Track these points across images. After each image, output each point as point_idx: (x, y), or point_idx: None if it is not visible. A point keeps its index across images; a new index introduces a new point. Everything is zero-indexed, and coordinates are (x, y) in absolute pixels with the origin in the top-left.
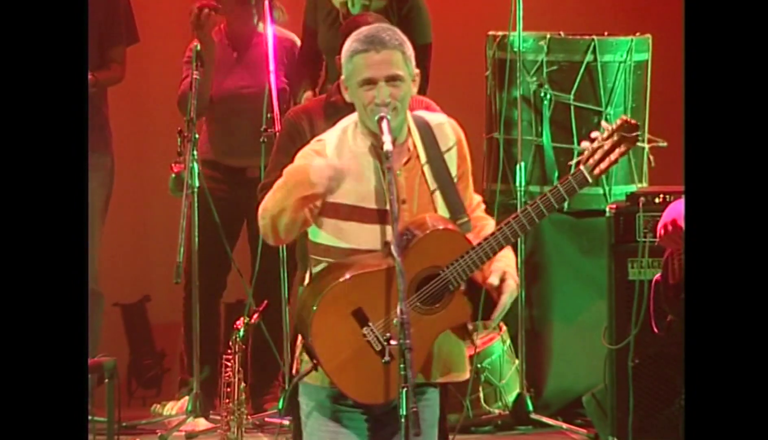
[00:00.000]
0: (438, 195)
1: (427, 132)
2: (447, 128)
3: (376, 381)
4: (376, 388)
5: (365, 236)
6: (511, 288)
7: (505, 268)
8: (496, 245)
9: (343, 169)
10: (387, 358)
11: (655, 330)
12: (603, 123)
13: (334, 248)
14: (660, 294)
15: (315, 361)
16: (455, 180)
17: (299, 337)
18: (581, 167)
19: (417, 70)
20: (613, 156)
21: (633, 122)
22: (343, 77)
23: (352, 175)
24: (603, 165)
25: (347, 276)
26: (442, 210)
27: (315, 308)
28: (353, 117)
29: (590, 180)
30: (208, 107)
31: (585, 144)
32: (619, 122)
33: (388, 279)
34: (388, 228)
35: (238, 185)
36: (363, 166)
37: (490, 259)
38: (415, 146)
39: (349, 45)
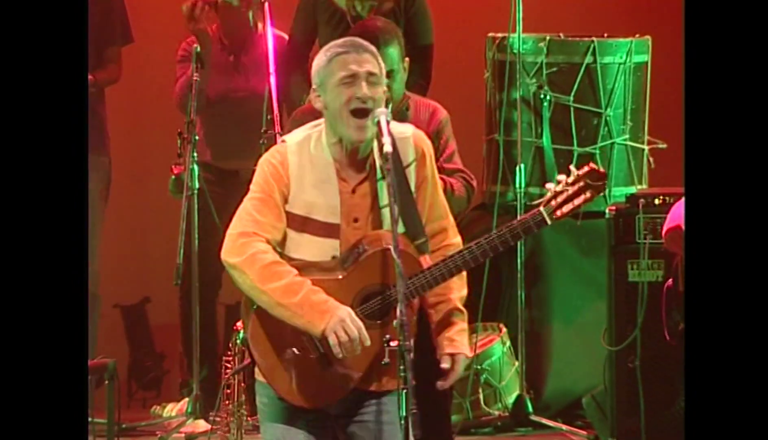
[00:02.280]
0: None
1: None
2: (410, 143)
3: (313, 385)
4: (312, 392)
5: (315, 249)
6: (460, 369)
7: (455, 351)
8: (446, 272)
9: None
10: (386, 360)
11: (668, 337)
12: (571, 168)
13: (284, 258)
14: (671, 301)
15: (251, 358)
16: (414, 194)
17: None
18: (541, 208)
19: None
20: (576, 202)
21: (601, 170)
22: (315, 85)
23: (309, 186)
24: (565, 209)
25: None
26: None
27: (254, 307)
28: (318, 127)
29: (549, 222)
30: (204, 108)
31: (549, 185)
32: (587, 168)
33: (330, 290)
34: (337, 242)
35: (232, 188)
36: (320, 179)
37: (439, 284)
38: (373, 164)
39: (325, 51)
